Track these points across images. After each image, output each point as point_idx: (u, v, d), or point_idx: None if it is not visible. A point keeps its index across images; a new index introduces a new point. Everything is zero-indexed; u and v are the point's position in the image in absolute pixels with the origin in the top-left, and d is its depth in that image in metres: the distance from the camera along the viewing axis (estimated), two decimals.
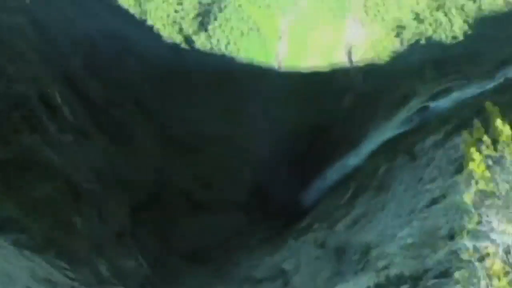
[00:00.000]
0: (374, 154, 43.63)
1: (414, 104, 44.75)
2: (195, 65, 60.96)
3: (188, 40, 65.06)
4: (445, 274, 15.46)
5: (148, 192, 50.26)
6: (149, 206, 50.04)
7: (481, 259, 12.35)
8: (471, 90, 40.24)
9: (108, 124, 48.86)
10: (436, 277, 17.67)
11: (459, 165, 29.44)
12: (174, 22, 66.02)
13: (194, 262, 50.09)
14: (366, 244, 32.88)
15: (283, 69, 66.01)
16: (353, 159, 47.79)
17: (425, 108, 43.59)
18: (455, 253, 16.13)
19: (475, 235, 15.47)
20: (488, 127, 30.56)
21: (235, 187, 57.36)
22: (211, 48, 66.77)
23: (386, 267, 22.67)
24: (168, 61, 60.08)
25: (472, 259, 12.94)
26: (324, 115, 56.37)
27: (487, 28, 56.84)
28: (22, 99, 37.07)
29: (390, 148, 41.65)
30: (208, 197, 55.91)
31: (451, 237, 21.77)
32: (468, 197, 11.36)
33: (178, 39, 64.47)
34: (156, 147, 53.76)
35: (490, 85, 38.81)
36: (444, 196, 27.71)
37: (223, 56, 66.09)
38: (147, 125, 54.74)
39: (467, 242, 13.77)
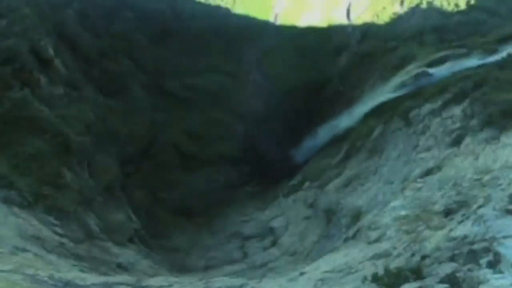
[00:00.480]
0: (368, 116, 42.94)
1: (411, 69, 43.77)
2: (191, 18, 59.56)
3: None
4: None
5: (138, 145, 49.83)
6: (139, 160, 49.61)
7: None
8: (471, 62, 39.26)
9: (101, 77, 47.87)
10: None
11: (457, 137, 28.48)
12: None
13: (183, 216, 49.80)
14: (357, 208, 32.65)
15: (280, 24, 64.40)
16: (346, 120, 46.98)
17: (422, 73, 42.48)
18: (453, 239, 15.21)
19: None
20: (487, 100, 29.88)
21: (227, 141, 56.88)
22: (207, 0, 65.02)
23: (378, 240, 21.93)
24: (164, 14, 58.61)
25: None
26: (319, 73, 55.50)
27: (489, 0, 55.26)
28: (13, 53, 35.77)
29: (384, 111, 41.12)
30: (199, 151, 55.23)
31: (447, 214, 20.83)
32: None
33: None
34: (148, 100, 52.42)
35: (491, 59, 37.53)
36: (439, 168, 27.03)
37: (218, 8, 64.42)
38: (140, 78, 53.64)
39: None
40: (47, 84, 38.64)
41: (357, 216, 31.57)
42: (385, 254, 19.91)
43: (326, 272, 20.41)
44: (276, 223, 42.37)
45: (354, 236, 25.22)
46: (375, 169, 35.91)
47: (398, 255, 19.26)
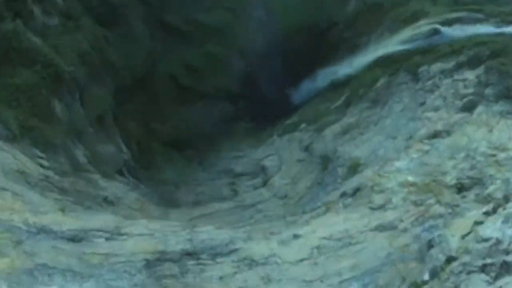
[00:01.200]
0: (372, 66, 40.36)
1: (422, 25, 40.80)
2: None
3: None
4: None
5: (134, 76, 47.54)
6: (134, 90, 47.37)
7: None
8: (487, 28, 36.36)
9: (99, 7, 44.73)
10: None
11: (469, 103, 26.01)
12: None
13: (175, 148, 48.45)
14: (354, 159, 31.16)
15: None
16: (348, 67, 44.38)
17: (434, 31, 39.51)
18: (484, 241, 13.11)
19: None
20: (505, 72, 27.35)
21: (226, 76, 54.51)
22: None
23: (382, 207, 19.82)
24: None
25: None
26: (325, 16, 52.20)
27: None
28: None
29: (391, 63, 38.74)
30: (197, 84, 53.01)
31: (459, 189, 18.58)
32: None
33: None
34: (147, 32, 49.37)
35: (509, 30, 34.62)
36: (448, 133, 24.91)
37: None
38: (140, 9, 50.28)
39: None
40: (41, 14, 36.22)
41: (354, 167, 30.02)
42: (390, 226, 18.03)
43: (323, 238, 18.61)
44: (268, 162, 40.34)
45: (354, 194, 22.98)
46: (377, 120, 33.97)
47: (405, 230, 17.27)
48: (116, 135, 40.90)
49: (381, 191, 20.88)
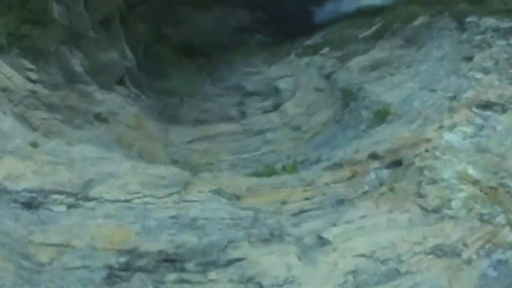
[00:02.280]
0: (409, 0, 33.42)
1: None
2: None
3: None
4: None
5: None
6: None
7: None
8: None
9: None
10: None
11: None
12: None
13: (186, 55, 43.31)
14: (383, 103, 25.92)
15: None
16: None
17: None
18: None
19: None
20: None
21: None
22: None
23: (439, 211, 14.71)
24: None
25: None
26: None
27: None
28: None
29: (431, 2, 32.92)
30: None
31: None
32: None
33: None
34: None
35: None
36: (504, 109, 19.04)
37: None
38: None
39: None
40: None
41: (382, 114, 25.01)
42: (452, 252, 12.72)
43: (361, 256, 12.80)
44: (282, 84, 34.95)
45: (393, 169, 17.26)
46: (409, 62, 28.54)
47: (469, 262, 12.22)
48: (121, 40, 35.72)
49: (434, 182, 15.10)
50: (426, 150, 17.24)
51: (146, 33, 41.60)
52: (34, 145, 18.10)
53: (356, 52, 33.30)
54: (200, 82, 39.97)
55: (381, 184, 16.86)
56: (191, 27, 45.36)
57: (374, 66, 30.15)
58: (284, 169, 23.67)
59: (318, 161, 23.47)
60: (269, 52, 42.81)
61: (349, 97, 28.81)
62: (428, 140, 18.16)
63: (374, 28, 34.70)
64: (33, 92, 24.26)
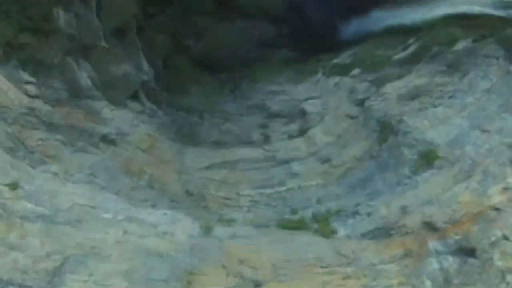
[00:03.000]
0: (447, 22, 30.69)
1: None
2: None
3: None
4: None
5: None
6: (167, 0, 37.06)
7: None
8: None
9: None
10: None
11: None
12: None
13: (207, 69, 38.57)
14: (430, 144, 21.53)
15: None
16: (415, 13, 34.58)
17: None
18: None
19: None
20: None
21: None
22: None
23: None
24: None
25: None
26: None
27: None
28: None
29: (474, 26, 28.51)
30: (239, 0, 42.40)
31: None
32: None
33: None
34: None
35: None
36: None
37: None
38: None
39: None
40: None
41: (429, 157, 20.75)
42: None
43: None
44: (309, 106, 30.72)
45: (460, 254, 12.48)
46: (453, 92, 24.01)
47: None
48: (137, 51, 32.42)
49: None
50: (505, 238, 12.40)
51: (165, 44, 37.31)
52: (14, 186, 13.48)
53: (391, 76, 28.69)
54: (221, 98, 35.90)
55: (447, 283, 12.02)
56: (212, 39, 41.21)
57: (413, 94, 25.52)
58: (314, 219, 19.23)
59: (355, 213, 19.25)
60: (294, 69, 37.99)
61: (387, 130, 24.21)
62: (497, 209, 13.35)
63: (409, 50, 30.21)
64: (32, 109, 20.78)
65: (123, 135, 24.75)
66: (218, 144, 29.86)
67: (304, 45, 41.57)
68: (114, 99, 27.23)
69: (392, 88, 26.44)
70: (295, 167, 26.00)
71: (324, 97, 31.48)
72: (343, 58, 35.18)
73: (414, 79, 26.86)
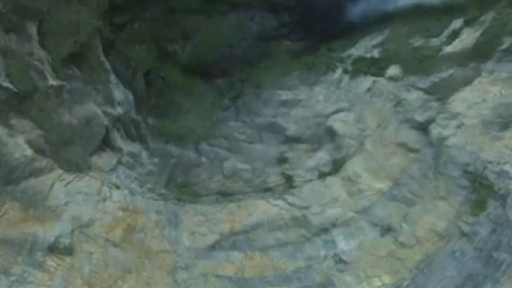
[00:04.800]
0: None
1: None
2: None
3: None
4: None
5: None
6: (141, 3, 26.62)
7: None
8: None
9: None
10: None
11: None
12: None
13: (200, 77, 27.68)
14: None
15: None
16: None
17: None
18: None
19: None
20: None
21: None
22: None
23: None
24: None
25: None
26: None
27: None
28: None
29: None
30: None
31: None
32: None
33: None
34: None
35: None
36: None
37: None
38: None
39: None
40: None
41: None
42: None
43: None
44: (340, 125, 20.55)
45: None
46: None
47: None
48: (106, 76, 21.75)
49: None
50: None
51: (146, 55, 26.63)
52: None
53: (453, 82, 17.45)
54: (221, 114, 25.53)
55: None
56: (202, 39, 29.88)
57: (504, 117, 13.69)
58: None
59: None
60: (304, 64, 26.90)
61: (483, 189, 12.70)
62: None
63: (465, 40, 18.87)
64: None
65: (82, 230, 13.52)
66: (224, 195, 18.88)
67: (309, 32, 30.72)
68: (72, 162, 16.14)
69: (467, 106, 15.01)
70: (340, 243, 14.85)
71: (356, 109, 20.54)
72: (366, 48, 24.59)
73: (490, 87, 15.33)
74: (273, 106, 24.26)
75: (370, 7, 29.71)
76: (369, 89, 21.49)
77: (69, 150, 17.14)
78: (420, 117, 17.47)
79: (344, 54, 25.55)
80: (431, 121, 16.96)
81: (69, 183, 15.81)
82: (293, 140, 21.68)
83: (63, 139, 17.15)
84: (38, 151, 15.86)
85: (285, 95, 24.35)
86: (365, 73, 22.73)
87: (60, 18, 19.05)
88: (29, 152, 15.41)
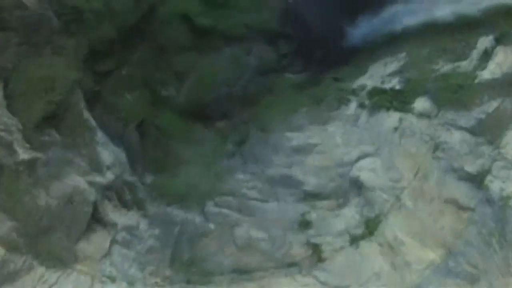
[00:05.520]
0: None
1: None
2: None
3: None
4: None
5: (122, 24, 22.58)
6: (128, 45, 23.11)
7: None
8: None
9: None
10: None
11: None
12: None
13: (201, 120, 23.90)
14: None
15: None
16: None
17: None
18: None
19: None
20: None
21: (259, 9, 27.62)
22: None
23: None
24: None
25: None
26: None
27: None
28: None
29: None
30: (221, 23, 26.73)
31: None
32: None
33: None
34: None
35: None
36: None
37: None
38: None
39: None
40: None
41: None
42: None
43: None
44: (367, 175, 16.25)
45: None
46: None
47: None
48: (90, 136, 18.27)
49: None
50: None
51: (138, 104, 22.46)
52: None
53: (503, 117, 13.64)
54: (225, 163, 21.78)
55: None
56: (197, 79, 25.83)
57: None
58: None
59: None
60: (310, 98, 23.34)
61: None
62: None
63: (503, 63, 15.21)
64: None
65: None
66: (240, 272, 14.91)
67: (310, 61, 27.08)
68: (54, 256, 12.24)
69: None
70: None
71: (384, 154, 16.73)
72: (381, 77, 21.20)
73: None
74: (285, 154, 20.56)
75: (373, 29, 26.52)
76: (396, 128, 17.72)
77: (50, 240, 13.34)
78: (470, 167, 13.76)
79: (355, 85, 22.04)
80: (485, 171, 13.30)
81: (53, 285, 11.88)
82: (314, 196, 17.88)
83: (41, 227, 13.33)
84: (12, 248, 12.11)
85: (296, 139, 20.65)
86: (387, 108, 19.10)
87: (30, 75, 15.22)
88: (0, 251, 11.53)
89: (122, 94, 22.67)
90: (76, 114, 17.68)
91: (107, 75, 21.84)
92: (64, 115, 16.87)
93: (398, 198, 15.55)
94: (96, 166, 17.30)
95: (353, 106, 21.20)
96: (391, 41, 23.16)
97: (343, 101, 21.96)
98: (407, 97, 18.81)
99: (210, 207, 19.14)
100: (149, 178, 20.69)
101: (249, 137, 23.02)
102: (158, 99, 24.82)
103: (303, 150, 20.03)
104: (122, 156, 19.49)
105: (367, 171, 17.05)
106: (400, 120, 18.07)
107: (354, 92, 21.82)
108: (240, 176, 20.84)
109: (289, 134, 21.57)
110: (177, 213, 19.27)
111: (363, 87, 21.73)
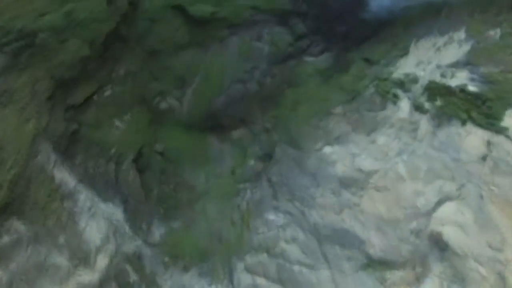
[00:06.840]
0: None
1: None
2: None
3: None
4: None
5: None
6: (114, 53, 17.81)
7: None
8: None
9: None
10: None
11: None
12: None
13: (209, 132, 18.43)
14: None
15: None
16: None
17: None
18: None
19: None
20: None
21: None
22: None
23: None
24: None
25: None
26: None
27: None
28: None
29: None
30: (224, 8, 21.66)
31: None
32: None
33: None
34: None
35: None
36: None
37: None
38: None
39: None
40: None
41: None
42: None
43: None
44: (450, 231, 10.64)
45: None
46: None
47: None
48: (63, 216, 9.81)
49: None
50: None
51: (131, 130, 17.15)
52: None
53: None
54: (250, 195, 16.58)
55: None
56: (204, 81, 20.62)
57: None
58: None
59: None
60: (343, 91, 17.50)
61: None
62: None
63: None
64: None
65: None
66: None
67: (331, 39, 21.09)
68: None
69: None
70: None
71: (473, 198, 10.53)
72: (434, 64, 14.79)
73: None
74: (329, 189, 14.48)
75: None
76: (483, 158, 11.36)
77: None
78: None
79: (398, 74, 15.55)
80: None
81: None
82: (381, 264, 11.69)
83: None
84: None
85: (341, 162, 14.37)
86: (463, 121, 12.65)
87: None
88: None
89: (109, 123, 16.41)
90: (43, 185, 11.55)
91: (85, 105, 15.59)
92: (26, 194, 10.67)
93: (500, 276, 9.55)
94: (81, 257, 11.38)
95: (405, 106, 15.01)
96: (428, 10, 16.84)
97: (387, 97, 15.65)
98: (492, 107, 12.40)
99: (241, 274, 13.21)
100: (157, 233, 14.90)
101: (275, 153, 16.91)
102: (157, 115, 18.86)
103: (355, 184, 13.81)
104: (117, 214, 13.66)
105: (453, 227, 10.94)
106: (489, 144, 11.74)
107: (402, 85, 15.54)
108: (271, 216, 14.89)
109: (328, 149, 15.40)
110: (198, 285, 13.36)
111: (413, 79, 15.46)
